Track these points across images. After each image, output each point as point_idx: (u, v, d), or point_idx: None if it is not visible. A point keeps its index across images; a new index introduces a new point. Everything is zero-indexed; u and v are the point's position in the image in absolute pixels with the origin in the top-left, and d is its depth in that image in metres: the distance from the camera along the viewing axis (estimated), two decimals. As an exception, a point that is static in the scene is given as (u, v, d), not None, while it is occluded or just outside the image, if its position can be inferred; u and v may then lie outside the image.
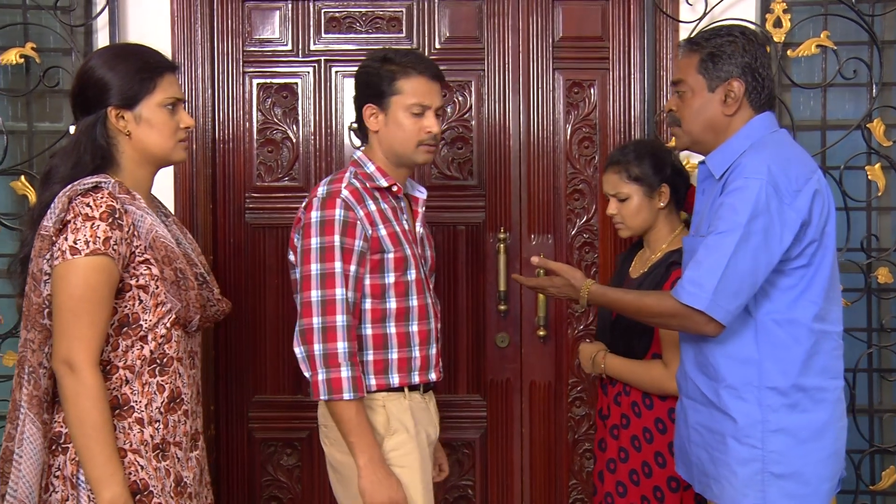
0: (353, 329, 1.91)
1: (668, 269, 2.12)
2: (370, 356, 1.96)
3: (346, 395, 1.87)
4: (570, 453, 2.70)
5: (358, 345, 1.93)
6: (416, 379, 2.02)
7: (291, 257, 2.01)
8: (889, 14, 2.63)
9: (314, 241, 1.92)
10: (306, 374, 1.91)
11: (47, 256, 1.66)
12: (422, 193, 2.15)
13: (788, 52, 2.59)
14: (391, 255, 1.97)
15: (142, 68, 1.75)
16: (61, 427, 1.68)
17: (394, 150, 2.02)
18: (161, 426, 1.72)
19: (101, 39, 2.57)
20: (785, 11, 2.57)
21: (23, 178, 2.59)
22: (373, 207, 1.98)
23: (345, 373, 1.88)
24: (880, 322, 2.67)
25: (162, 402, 1.73)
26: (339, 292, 1.90)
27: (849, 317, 2.59)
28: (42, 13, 2.59)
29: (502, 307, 2.64)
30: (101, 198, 1.65)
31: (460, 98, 2.69)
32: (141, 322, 1.71)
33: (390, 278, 1.98)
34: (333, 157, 2.69)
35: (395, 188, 2.03)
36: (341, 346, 1.89)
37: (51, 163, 1.77)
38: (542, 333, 2.64)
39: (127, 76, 1.73)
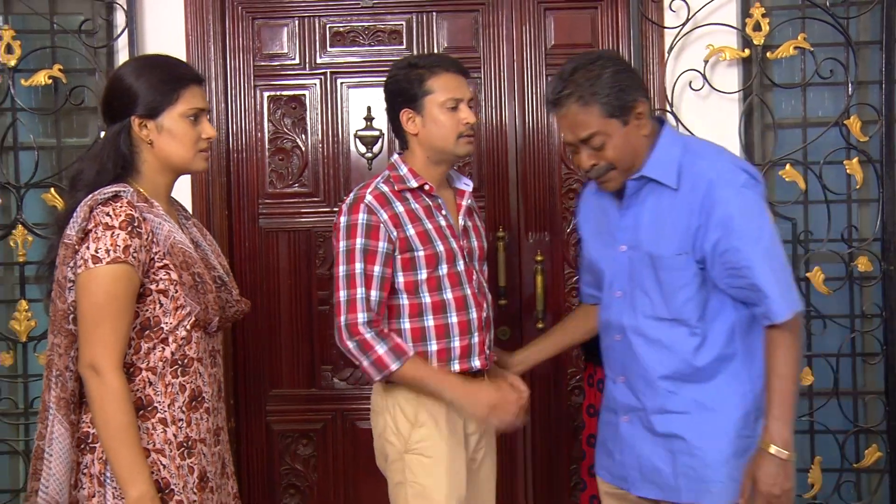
0: (377, 320, 2.00)
1: None
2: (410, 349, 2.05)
3: (392, 367, 1.98)
4: (570, 440, 2.81)
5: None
6: (455, 367, 2.08)
7: None
8: (863, 16, 2.71)
9: (341, 245, 2.04)
10: (360, 365, 2.03)
11: (71, 264, 1.69)
12: (467, 186, 2.20)
13: (768, 55, 2.67)
14: (421, 254, 2.05)
15: (166, 79, 1.76)
16: (89, 427, 1.72)
17: (436, 147, 2.08)
18: (184, 424, 1.75)
19: (122, 59, 2.68)
20: (764, 15, 2.65)
21: (52, 190, 2.72)
22: (400, 209, 2.05)
23: (380, 349, 1.98)
24: (861, 308, 2.75)
25: (184, 402, 1.75)
26: (361, 291, 2.00)
27: (831, 304, 2.73)
28: (68, 37, 2.73)
29: (502, 302, 2.76)
30: (121, 207, 1.68)
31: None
32: (162, 325, 1.73)
33: (422, 275, 2.05)
34: (340, 164, 2.83)
35: (426, 187, 2.09)
36: (368, 335, 1.99)
37: (77, 167, 1.80)
38: (541, 326, 2.76)
39: (151, 87, 1.75)
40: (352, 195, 2.08)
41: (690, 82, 2.70)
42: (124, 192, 1.71)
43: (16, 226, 2.73)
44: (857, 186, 2.72)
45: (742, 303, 1.87)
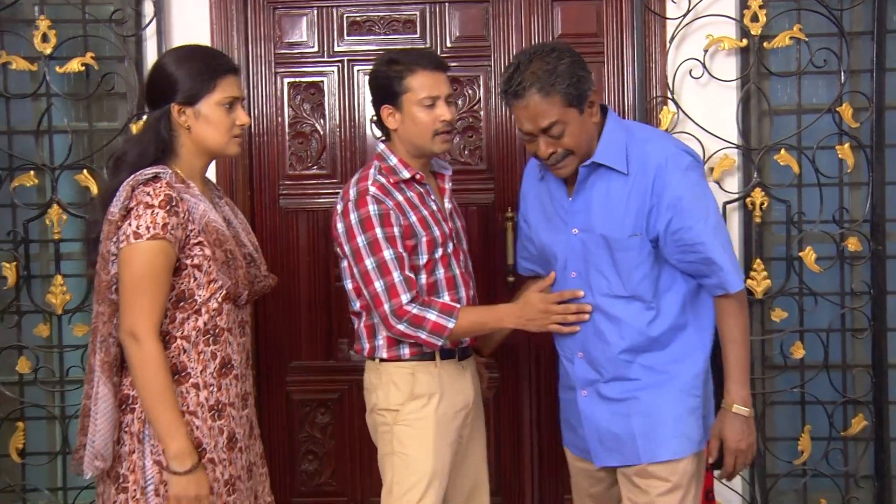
0: (417, 296, 2.04)
1: None
2: None
3: (450, 325, 2.03)
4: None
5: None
6: (446, 344, 2.10)
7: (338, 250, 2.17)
8: (856, 8, 2.80)
9: (359, 240, 2.06)
10: (419, 340, 2.06)
11: (114, 239, 1.80)
12: (447, 170, 2.27)
13: (765, 44, 2.78)
14: (424, 239, 2.11)
15: (204, 69, 1.86)
16: (129, 390, 1.83)
17: (413, 143, 2.13)
18: (215, 389, 1.86)
19: (150, 47, 2.82)
20: (761, 7, 2.75)
21: (85, 171, 2.84)
22: (400, 198, 2.11)
23: (432, 316, 2.03)
24: (851, 286, 2.87)
25: (215, 368, 1.86)
26: (397, 275, 2.04)
27: (823, 281, 2.85)
28: (99, 26, 2.84)
29: (510, 279, 2.89)
30: (160, 187, 1.78)
31: (470, 91, 2.94)
32: (195, 297, 1.84)
33: (423, 259, 2.12)
34: (357, 147, 2.95)
35: (417, 176, 2.15)
36: (414, 310, 2.03)
37: (122, 149, 1.91)
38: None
39: (190, 76, 1.85)
40: (353, 191, 2.11)
41: (691, 70, 2.81)
42: (164, 173, 1.82)
43: (51, 205, 2.85)
44: (849, 170, 2.82)
45: (690, 276, 1.97)
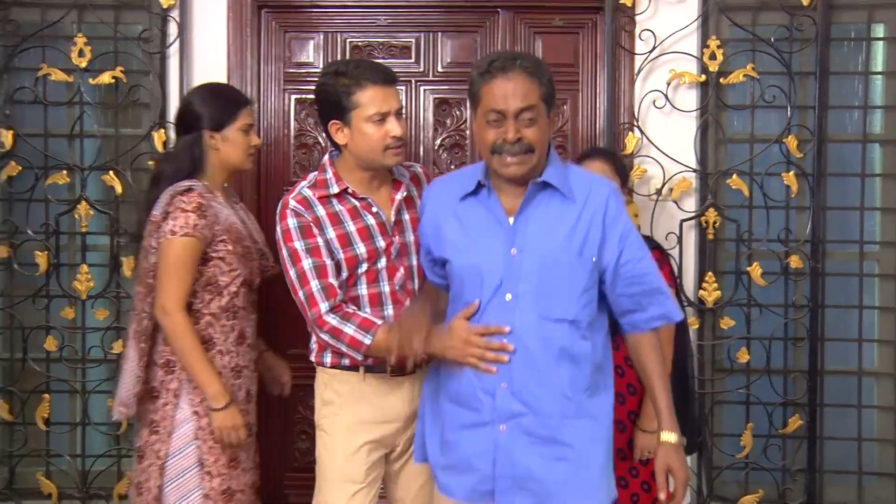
0: (339, 306, 2.00)
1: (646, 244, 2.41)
2: None
3: (366, 341, 1.99)
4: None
5: None
6: (369, 361, 2.08)
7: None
8: (802, 51, 3.06)
9: (285, 251, 2.08)
10: (341, 351, 2.04)
11: (155, 236, 2.23)
12: (404, 177, 2.16)
13: (722, 80, 3.04)
14: (341, 256, 2.06)
15: (229, 102, 2.32)
16: (170, 355, 2.26)
17: (364, 158, 2.08)
18: (234, 355, 2.29)
19: (173, 64, 3.08)
20: (719, 47, 3.02)
21: (111, 172, 3.10)
22: (322, 213, 2.06)
23: (349, 330, 2.00)
24: (793, 299, 3.10)
25: (234, 339, 2.29)
26: (315, 284, 2.02)
27: (768, 294, 3.11)
28: (129, 43, 3.12)
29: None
30: (193, 196, 2.22)
31: (458, 112, 3.20)
32: (219, 282, 2.27)
33: (344, 274, 2.07)
34: (355, 159, 3.25)
35: (349, 191, 2.07)
36: (334, 321, 1.99)
37: (160, 167, 2.36)
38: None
39: (218, 108, 2.29)
40: (280, 202, 2.13)
41: (655, 101, 3.07)
42: (196, 185, 2.26)
43: (80, 202, 3.11)
44: (793, 195, 3.07)
45: (621, 312, 1.93)
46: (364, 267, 2.09)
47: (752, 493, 3.15)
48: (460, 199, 1.97)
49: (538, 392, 1.85)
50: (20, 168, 3.15)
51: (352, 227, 2.10)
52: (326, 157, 2.19)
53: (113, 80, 3.11)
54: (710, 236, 3.08)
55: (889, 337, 3.22)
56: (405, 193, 2.18)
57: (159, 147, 3.08)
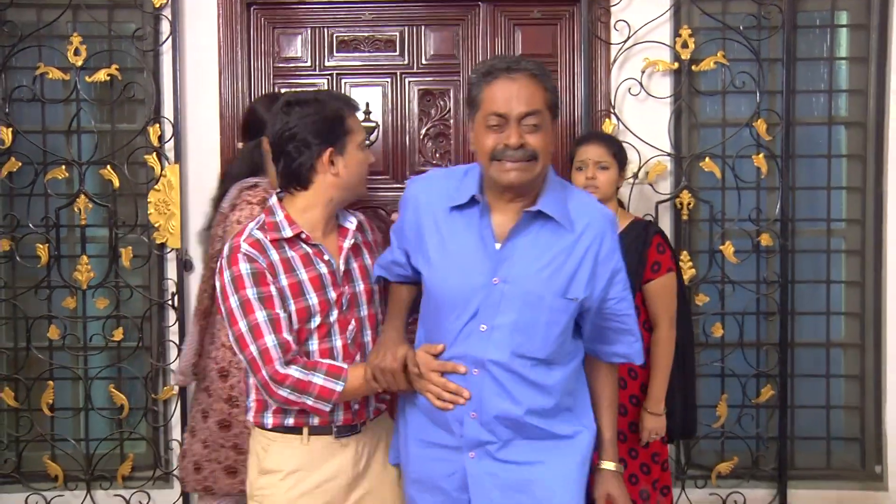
0: (296, 359, 1.81)
1: (648, 229, 2.46)
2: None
3: (338, 389, 1.82)
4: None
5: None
6: (314, 421, 1.89)
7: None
8: (770, 38, 3.19)
9: (232, 301, 1.82)
10: (305, 407, 1.85)
11: (222, 225, 2.41)
12: (351, 224, 1.98)
13: (693, 67, 3.16)
14: (293, 307, 1.85)
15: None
16: None
17: (352, 188, 1.94)
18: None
19: (166, 61, 3.16)
20: (691, 35, 3.14)
21: (108, 166, 3.19)
22: (276, 258, 1.85)
23: (317, 380, 1.81)
24: (764, 276, 3.24)
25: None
26: (271, 339, 1.79)
27: (740, 271, 3.25)
28: (123, 42, 3.21)
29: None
30: (258, 191, 2.40)
31: (441, 102, 3.32)
32: None
33: (295, 326, 1.85)
34: (343, 149, 3.37)
35: (303, 235, 1.88)
36: (297, 373, 1.80)
37: (228, 167, 2.65)
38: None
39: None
40: (227, 245, 1.90)
41: (630, 88, 3.20)
42: (261, 182, 2.45)
43: (79, 195, 3.20)
44: (763, 177, 3.20)
45: (589, 340, 1.88)
46: (317, 320, 1.87)
47: (727, 460, 3.29)
48: (449, 209, 1.82)
49: (506, 423, 1.77)
50: (20, 164, 3.24)
51: (304, 276, 1.88)
52: (274, 198, 1.95)
53: (108, 78, 3.20)
54: (685, 217, 3.22)
55: (855, 309, 3.37)
56: (353, 241, 1.97)
57: (154, 141, 3.18)
